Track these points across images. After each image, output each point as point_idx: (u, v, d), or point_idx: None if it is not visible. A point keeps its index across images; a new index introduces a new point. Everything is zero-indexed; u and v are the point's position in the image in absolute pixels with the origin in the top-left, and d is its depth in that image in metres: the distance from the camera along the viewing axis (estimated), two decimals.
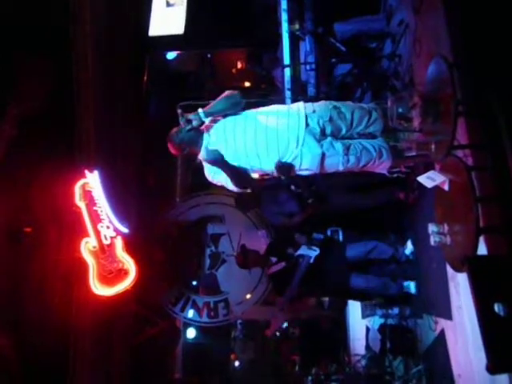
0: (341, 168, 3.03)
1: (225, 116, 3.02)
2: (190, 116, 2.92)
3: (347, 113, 3.04)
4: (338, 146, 2.98)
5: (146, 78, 6.72)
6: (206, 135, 3.01)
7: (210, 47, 7.34)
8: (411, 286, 3.93)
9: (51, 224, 5.01)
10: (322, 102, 3.10)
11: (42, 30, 4.97)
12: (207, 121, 3.00)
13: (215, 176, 3.10)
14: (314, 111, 3.01)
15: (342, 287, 4.08)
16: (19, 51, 4.84)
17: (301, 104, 3.08)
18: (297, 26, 5.08)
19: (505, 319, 1.82)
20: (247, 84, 8.34)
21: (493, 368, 1.80)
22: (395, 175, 3.20)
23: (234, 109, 3.00)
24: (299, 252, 3.92)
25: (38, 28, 4.93)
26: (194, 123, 2.92)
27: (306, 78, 5.12)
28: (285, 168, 2.99)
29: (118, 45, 6.03)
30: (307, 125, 2.96)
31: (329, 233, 5.00)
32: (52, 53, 5.09)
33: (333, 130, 3.03)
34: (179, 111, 2.91)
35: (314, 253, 3.87)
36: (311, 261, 3.86)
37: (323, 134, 3.00)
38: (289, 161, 2.97)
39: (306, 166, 3.00)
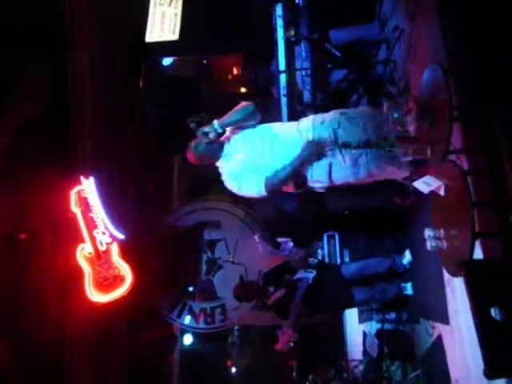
0: (351, 180, 3.01)
1: (243, 129, 3.04)
2: (206, 129, 2.97)
3: (358, 117, 3.02)
4: (346, 157, 2.96)
5: (142, 84, 6.73)
6: (226, 145, 3.04)
7: (205, 53, 7.36)
8: (408, 287, 3.94)
9: (47, 230, 4.99)
10: (331, 112, 3.10)
11: (41, 38, 4.98)
12: (226, 131, 3.04)
13: (241, 187, 3.06)
14: (322, 122, 3.02)
15: (344, 302, 4.14)
16: (18, 59, 4.84)
17: (310, 118, 3.10)
18: (292, 32, 5.09)
19: (501, 323, 1.82)
20: (243, 90, 8.36)
21: (490, 373, 1.80)
22: (407, 182, 3.19)
23: (248, 120, 3.02)
24: (297, 276, 3.98)
25: (36, 36, 4.94)
26: (211, 136, 2.96)
27: (302, 84, 5.13)
28: (300, 180, 3.03)
29: (115, 51, 6.04)
30: (314, 138, 2.97)
31: (325, 238, 5.01)
32: (49, 60, 5.10)
33: (345, 139, 2.98)
34: (192, 125, 2.95)
35: (311, 275, 3.96)
36: (310, 281, 3.91)
37: (335, 143, 2.98)
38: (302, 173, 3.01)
39: (316, 177, 3.01)
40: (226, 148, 3.04)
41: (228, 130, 3.05)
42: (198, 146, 2.99)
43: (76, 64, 5.44)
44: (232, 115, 3.01)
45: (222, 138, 3.04)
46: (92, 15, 5.54)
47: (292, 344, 3.70)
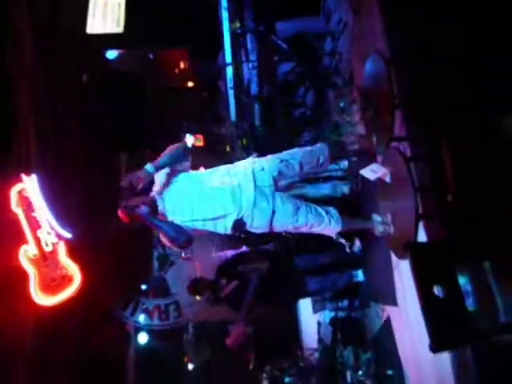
0: (290, 227, 3.17)
1: (174, 179, 3.12)
2: (139, 173, 3.01)
3: (295, 163, 3.20)
4: (289, 205, 3.10)
5: (85, 78, 6.52)
6: (159, 200, 3.10)
7: (151, 46, 7.23)
8: (359, 274, 4.03)
9: None
10: (269, 158, 3.23)
11: None
12: (157, 173, 3.08)
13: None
14: (262, 169, 3.15)
15: (297, 292, 4.18)
16: None
17: (248, 163, 3.21)
18: (238, 25, 5.08)
19: (444, 300, 1.90)
20: (191, 84, 8.28)
21: (435, 347, 1.88)
22: (340, 240, 3.30)
23: (179, 161, 3.14)
24: (249, 267, 3.97)
25: None
26: (145, 179, 3.03)
27: (249, 77, 5.13)
28: (238, 227, 3.15)
29: (55, 43, 5.82)
30: (256, 185, 3.09)
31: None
32: None
33: (284, 183, 3.21)
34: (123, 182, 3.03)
35: (263, 265, 3.95)
36: (263, 272, 3.92)
37: (275, 188, 3.13)
38: (243, 219, 3.12)
39: (257, 225, 3.13)
40: (159, 202, 3.11)
41: (162, 171, 3.09)
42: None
43: (14, 61, 5.21)
44: (164, 158, 3.10)
45: (152, 194, 3.10)
46: (32, 6, 5.31)
47: (244, 339, 3.67)
